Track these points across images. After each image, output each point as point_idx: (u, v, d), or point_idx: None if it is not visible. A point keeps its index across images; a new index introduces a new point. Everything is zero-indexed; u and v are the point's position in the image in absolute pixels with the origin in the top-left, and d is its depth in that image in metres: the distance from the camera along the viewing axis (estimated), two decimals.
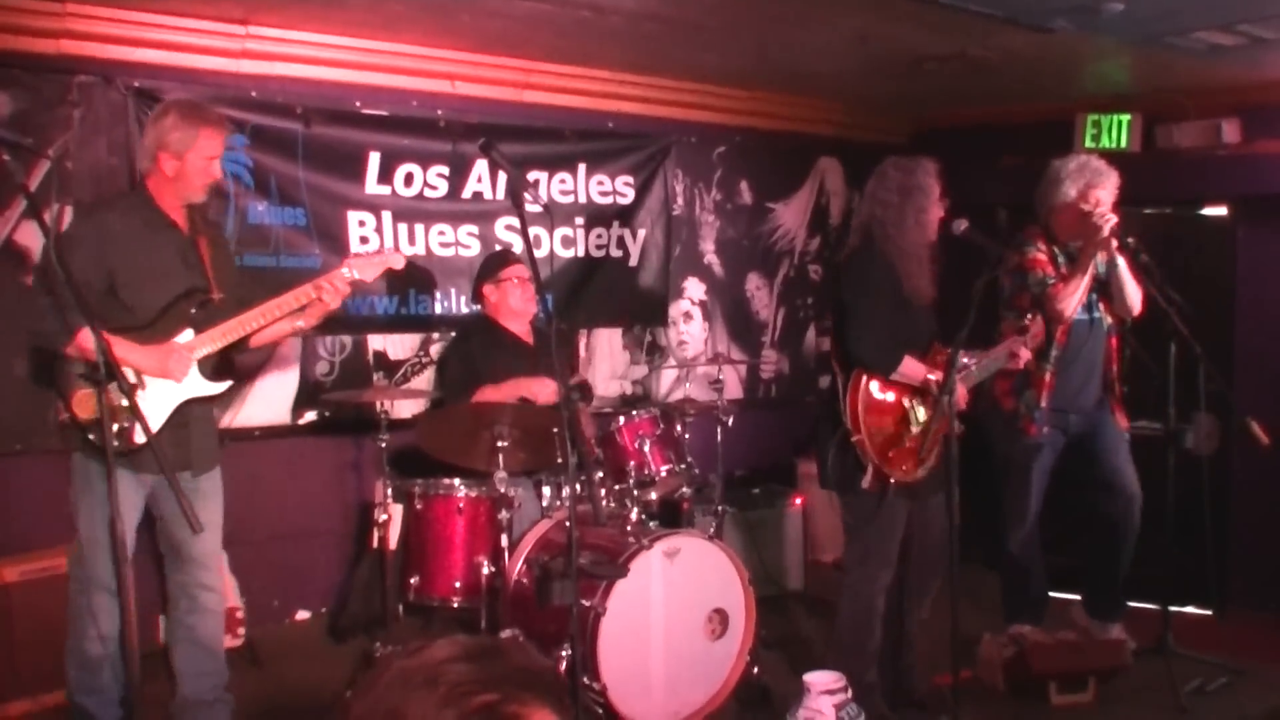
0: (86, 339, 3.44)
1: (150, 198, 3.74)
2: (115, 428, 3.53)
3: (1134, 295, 4.64)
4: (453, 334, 5.37)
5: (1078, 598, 5.14)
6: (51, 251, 3.08)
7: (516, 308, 4.86)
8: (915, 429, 4.05)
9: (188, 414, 3.73)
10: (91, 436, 3.56)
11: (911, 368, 4.03)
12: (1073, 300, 4.58)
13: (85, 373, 3.46)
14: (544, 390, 4.57)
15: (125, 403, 3.49)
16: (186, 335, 3.72)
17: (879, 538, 4.10)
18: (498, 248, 5.46)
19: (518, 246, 5.63)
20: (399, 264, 4.14)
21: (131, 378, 3.57)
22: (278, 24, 4.85)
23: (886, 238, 4.05)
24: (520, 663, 1.26)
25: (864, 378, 3.99)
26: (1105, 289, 4.73)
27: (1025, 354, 4.23)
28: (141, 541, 3.83)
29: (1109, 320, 4.80)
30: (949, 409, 3.80)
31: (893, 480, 3.99)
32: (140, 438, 3.57)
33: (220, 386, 3.83)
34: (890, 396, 4.05)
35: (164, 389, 3.67)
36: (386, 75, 5.28)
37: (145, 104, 4.62)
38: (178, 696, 3.92)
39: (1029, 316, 4.36)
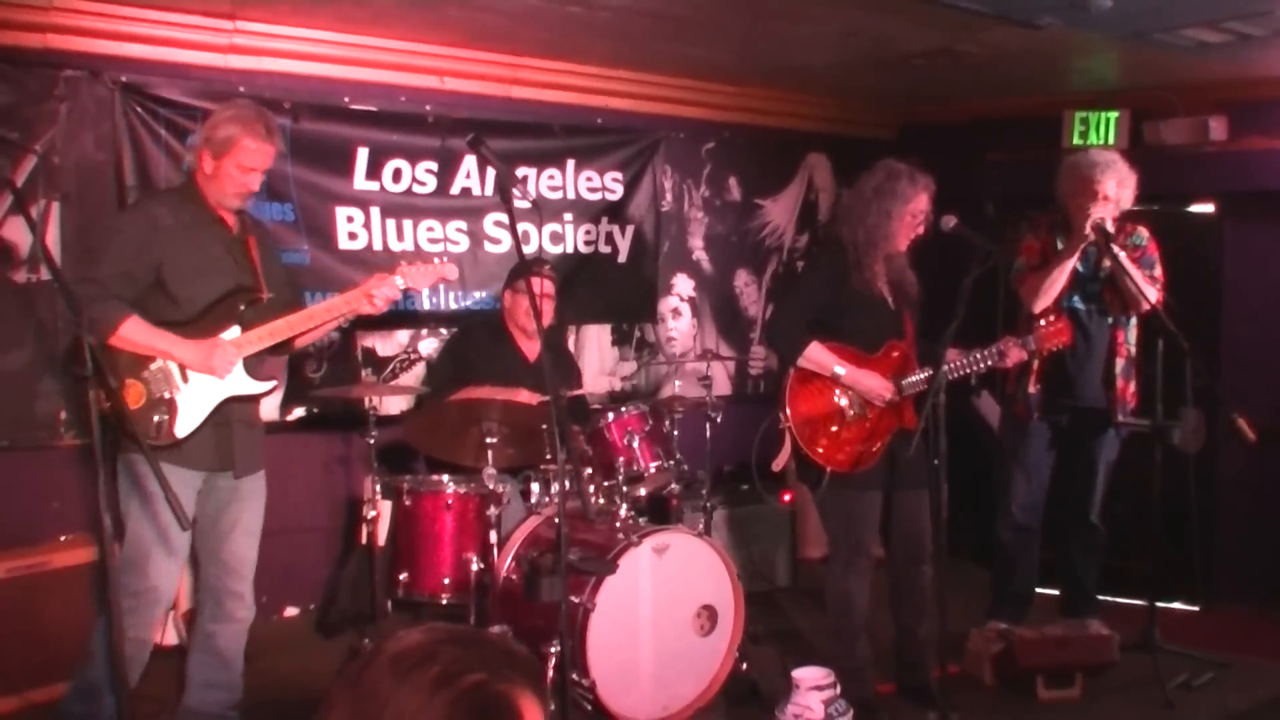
0: (130, 329, 3.42)
1: (199, 192, 3.64)
2: (155, 419, 3.47)
3: (1140, 290, 4.51)
4: (454, 329, 5.34)
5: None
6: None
7: (521, 322, 4.84)
8: (851, 417, 4.07)
9: (229, 413, 3.60)
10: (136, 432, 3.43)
11: (818, 355, 4.06)
12: (1040, 291, 4.57)
13: (130, 364, 3.44)
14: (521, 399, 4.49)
15: (166, 395, 3.49)
16: (233, 332, 3.59)
17: (842, 527, 4.19)
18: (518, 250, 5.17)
19: (506, 242, 5.63)
20: (453, 275, 3.99)
21: (175, 372, 3.50)
22: (265, 19, 4.83)
23: (848, 229, 4.15)
24: (502, 646, 1.31)
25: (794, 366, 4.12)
26: (1112, 283, 4.69)
27: (1016, 354, 4.18)
28: None
29: (1117, 315, 4.74)
30: (934, 408, 3.79)
31: (829, 469, 4.06)
32: (181, 431, 3.50)
33: (265, 386, 3.71)
34: (821, 385, 4.10)
35: (206, 385, 3.53)
36: (374, 70, 5.27)
37: (132, 98, 4.61)
38: (181, 705, 3.78)
39: (1047, 320, 4.30)
